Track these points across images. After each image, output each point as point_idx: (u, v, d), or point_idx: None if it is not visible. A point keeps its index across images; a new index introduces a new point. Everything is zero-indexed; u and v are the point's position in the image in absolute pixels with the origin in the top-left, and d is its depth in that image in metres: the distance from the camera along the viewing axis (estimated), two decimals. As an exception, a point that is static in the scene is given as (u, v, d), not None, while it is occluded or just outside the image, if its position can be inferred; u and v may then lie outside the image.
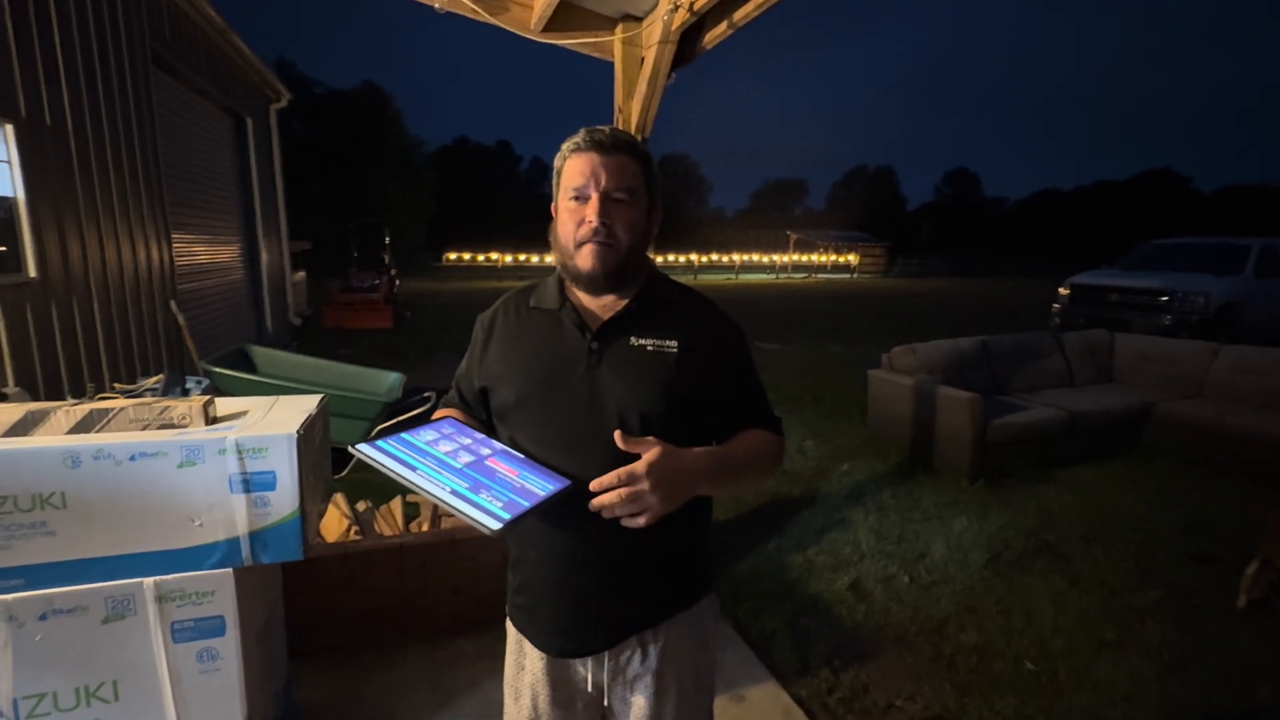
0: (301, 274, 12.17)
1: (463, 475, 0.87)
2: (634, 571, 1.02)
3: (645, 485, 0.86)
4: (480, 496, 0.83)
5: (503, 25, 2.25)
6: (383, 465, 0.84)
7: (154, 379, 3.08)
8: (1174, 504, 3.60)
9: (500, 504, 0.82)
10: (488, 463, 0.93)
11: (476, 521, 0.78)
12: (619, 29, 2.32)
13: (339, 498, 2.70)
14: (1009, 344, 4.81)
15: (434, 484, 0.83)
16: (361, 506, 2.74)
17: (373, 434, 0.92)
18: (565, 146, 1.02)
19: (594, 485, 0.86)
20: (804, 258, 36.50)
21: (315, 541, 2.52)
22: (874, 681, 2.20)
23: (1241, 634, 2.44)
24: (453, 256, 35.02)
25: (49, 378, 3.31)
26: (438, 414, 1.12)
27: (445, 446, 0.94)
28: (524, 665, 1.11)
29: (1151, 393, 4.63)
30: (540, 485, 0.90)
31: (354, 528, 2.49)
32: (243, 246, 8.10)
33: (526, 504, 0.84)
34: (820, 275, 33.68)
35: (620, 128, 1.06)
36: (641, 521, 0.86)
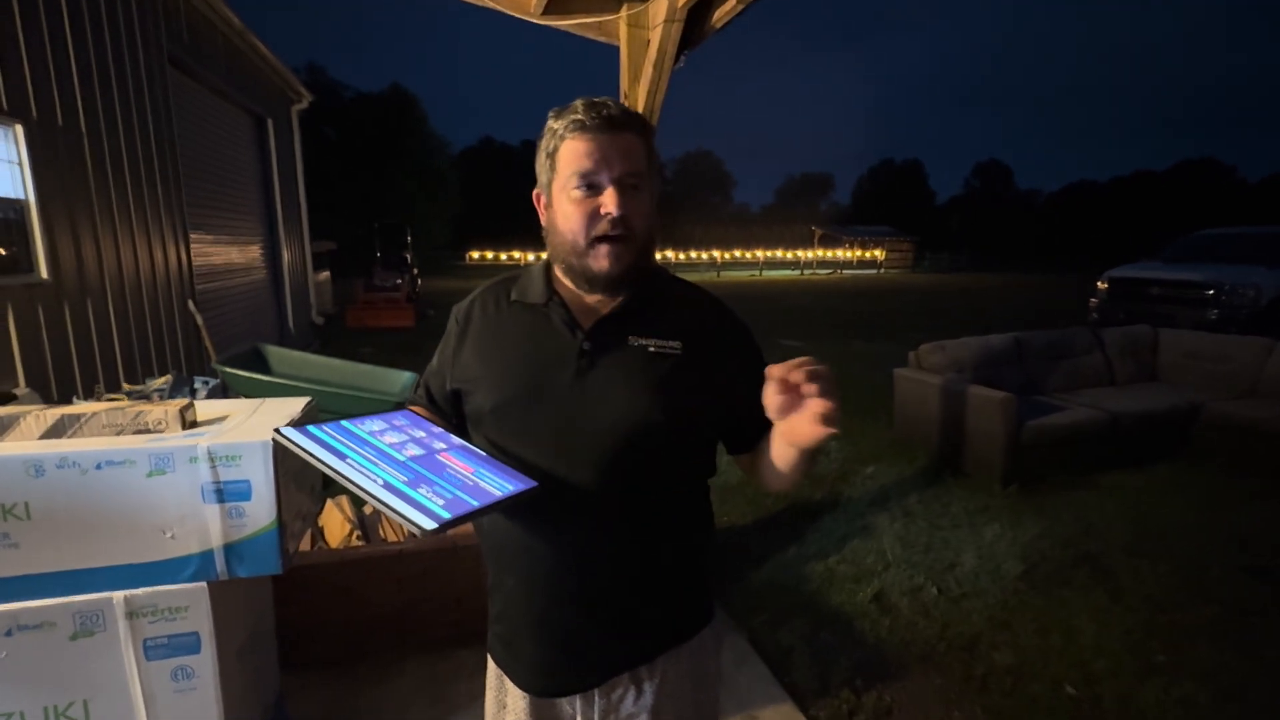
0: (325, 274, 12.34)
1: (403, 468, 0.75)
2: (624, 602, 0.91)
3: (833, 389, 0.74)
4: (418, 492, 0.71)
5: (500, 8, 2.15)
6: (307, 453, 0.72)
7: (162, 379, 3.06)
8: (1227, 513, 3.36)
9: (442, 502, 0.70)
10: (439, 457, 0.82)
11: (407, 519, 0.66)
12: (623, 9, 2.19)
13: (344, 500, 2.65)
14: (1044, 340, 4.57)
15: (364, 475, 0.71)
16: (368, 510, 2.68)
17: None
18: (559, 125, 0.87)
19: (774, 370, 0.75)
20: (829, 253, 35.91)
21: (319, 546, 2.48)
22: (899, 703, 2.06)
23: (1307, 658, 2.24)
24: (476, 255, 35.28)
25: (62, 379, 3.33)
26: None
27: (392, 438, 0.82)
28: (505, 703, 1.02)
29: (1199, 392, 4.35)
30: (498, 485, 0.78)
31: (356, 532, 2.43)
32: (264, 246, 8.18)
33: (475, 503, 0.72)
34: (846, 271, 33.09)
35: None
36: (830, 406, 0.74)
